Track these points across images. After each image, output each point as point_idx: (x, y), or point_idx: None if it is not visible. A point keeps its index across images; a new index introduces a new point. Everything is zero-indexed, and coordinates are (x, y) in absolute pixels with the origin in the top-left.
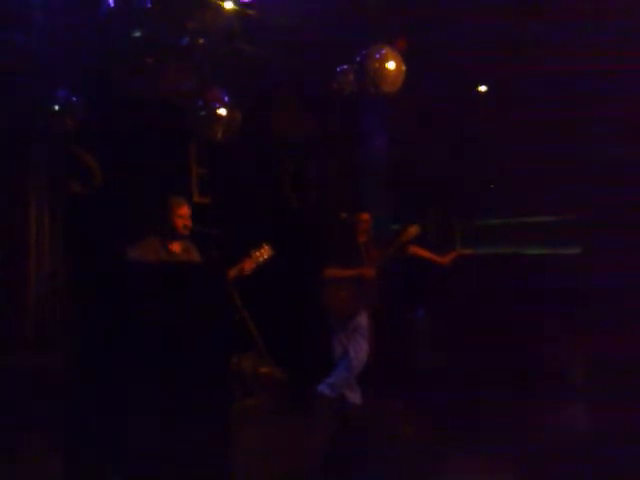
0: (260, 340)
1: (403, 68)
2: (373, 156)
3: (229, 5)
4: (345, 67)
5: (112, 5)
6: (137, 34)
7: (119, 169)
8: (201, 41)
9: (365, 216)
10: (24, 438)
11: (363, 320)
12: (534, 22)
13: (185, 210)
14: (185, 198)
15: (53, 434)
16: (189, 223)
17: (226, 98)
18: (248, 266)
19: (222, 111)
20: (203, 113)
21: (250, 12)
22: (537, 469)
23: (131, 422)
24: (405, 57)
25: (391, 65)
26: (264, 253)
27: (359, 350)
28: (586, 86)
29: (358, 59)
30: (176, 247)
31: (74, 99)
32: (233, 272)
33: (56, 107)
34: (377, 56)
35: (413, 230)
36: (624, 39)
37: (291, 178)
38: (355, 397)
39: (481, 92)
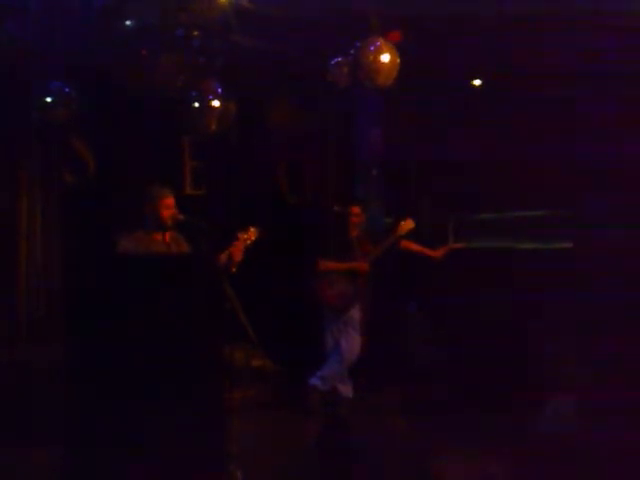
0: (252, 333)
1: (398, 61)
2: (367, 150)
3: None
4: (339, 60)
5: None
6: (132, 26)
7: (112, 160)
8: (196, 33)
9: (356, 209)
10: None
11: (355, 313)
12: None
13: (171, 200)
14: (177, 190)
15: (51, 431)
16: (176, 213)
17: (220, 90)
18: (237, 250)
19: (216, 103)
20: (197, 105)
21: (245, 4)
22: (534, 466)
23: (123, 415)
24: (400, 50)
25: (385, 58)
26: (251, 235)
27: (351, 343)
28: (585, 81)
29: (352, 52)
30: (165, 239)
31: (68, 90)
32: (223, 257)
33: (50, 98)
34: (371, 49)
35: (408, 224)
36: (624, 38)
37: (286, 172)
38: (347, 390)
39: (476, 86)
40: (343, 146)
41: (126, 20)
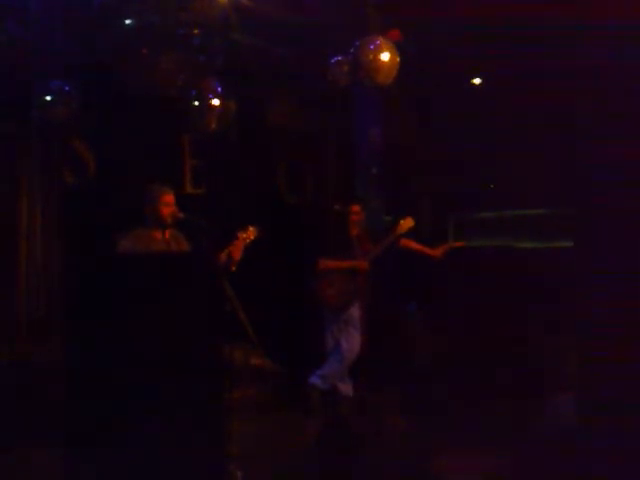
0: (252, 332)
1: (397, 59)
2: (367, 150)
3: None
4: (339, 58)
5: None
6: (132, 24)
7: (112, 160)
8: (196, 31)
9: (356, 208)
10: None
11: (355, 312)
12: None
13: (170, 198)
14: (177, 188)
15: (51, 431)
16: (176, 211)
17: (220, 89)
18: (236, 249)
19: (215, 102)
20: (197, 104)
21: (246, 2)
22: (534, 466)
23: (123, 415)
24: (400, 48)
25: (385, 56)
26: (250, 234)
27: (351, 342)
28: (585, 80)
29: (352, 50)
30: (164, 236)
31: (68, 89)
32: (223, 256)
33: (50, 97)
34: (371, 47)
35: (408, 223)
36: (625, 35)
37: (286, 171)
38: (347, 389)
39: (476, 85)
40: (343, 146)
41: (126, 19)
